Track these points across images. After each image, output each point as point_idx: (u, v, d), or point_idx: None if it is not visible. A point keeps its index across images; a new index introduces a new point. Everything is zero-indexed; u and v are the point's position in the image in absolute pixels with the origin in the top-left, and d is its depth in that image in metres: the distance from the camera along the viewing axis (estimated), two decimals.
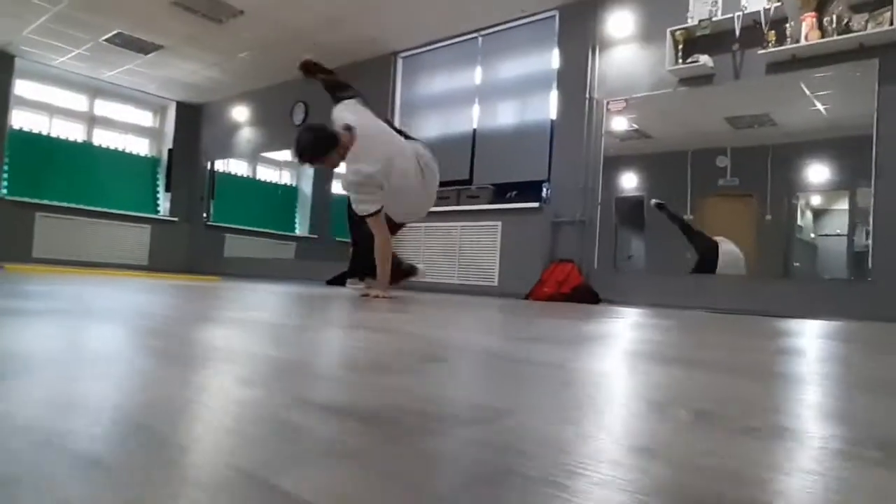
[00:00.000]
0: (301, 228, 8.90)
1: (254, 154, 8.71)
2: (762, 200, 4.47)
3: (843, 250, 4.04)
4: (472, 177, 5.89)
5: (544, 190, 5.29)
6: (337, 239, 8.14)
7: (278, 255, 8.45)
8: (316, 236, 8.62)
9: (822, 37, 3.87)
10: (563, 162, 5.18)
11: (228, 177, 9.18)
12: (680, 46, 4.45)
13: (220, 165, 9.14)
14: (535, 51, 5.55)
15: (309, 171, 8.71)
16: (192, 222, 9.05)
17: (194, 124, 9.08)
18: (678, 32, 4.46)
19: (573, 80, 5.17)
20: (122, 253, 8.38)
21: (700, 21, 4.32)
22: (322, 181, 8.29)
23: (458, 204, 5.79)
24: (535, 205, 5.20)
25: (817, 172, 4.41)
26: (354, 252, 6.16)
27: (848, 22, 3.82)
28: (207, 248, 8.84)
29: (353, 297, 3.34)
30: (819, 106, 4.17)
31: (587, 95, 5.06)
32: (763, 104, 4.37)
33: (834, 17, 3.85)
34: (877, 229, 3.73)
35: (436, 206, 5.87)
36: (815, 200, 4.42)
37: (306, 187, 8.84)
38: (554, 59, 5.37)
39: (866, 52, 3.80)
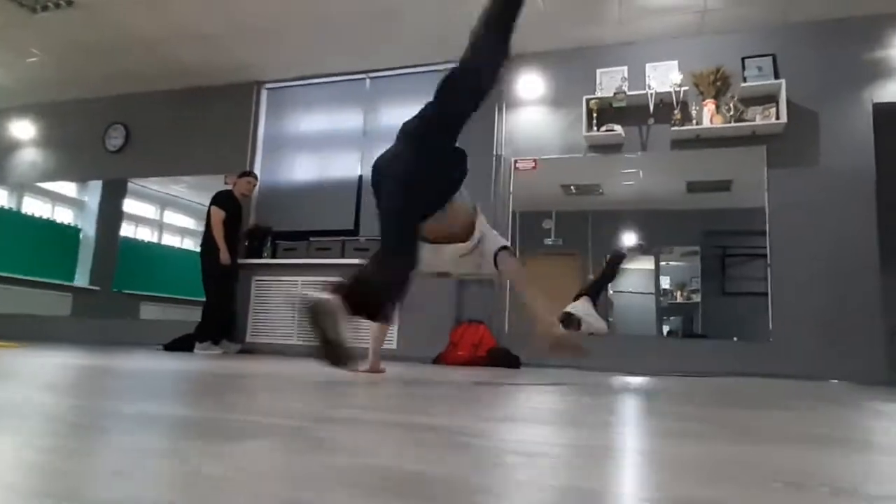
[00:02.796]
0: (82, 279, 7.19)
1: (30, 183, 6.84)
2: (585, 260, 4.92)
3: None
4: (358, 227, 5.35)
5: None
6: (124, 292, 6.77)
7: (50, 312, 6.66)
8: (98, 288, 7.03)
9: (723, 122, 4.37)
10: None
11: None
12: (594, 114, 4.65)
13: None
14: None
15: (93, 208, 7.15)
16: None
17: None
18: (593, 101, 4.66)
19: (477, 135, 5.06)
20: None
21: (616, 94, 4.58)
22: (108, 221, 6.82)
23: (343, 256, 5.18)
24: None
25: (630, 237, 5.00)
26: (209, 309, 5.09)
27: (742, 112, 4.37)
28: None
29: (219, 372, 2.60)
30: (633, 182, 4.78)
31: (494, 152, 4.99)
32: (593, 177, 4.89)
33: (732, 105, 4.37)
34: (774, 290, 4.22)
35: (316, 257, 5.22)
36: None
37: (89, 228, 7.20)
38: None
39: (757, 139, 4.39)
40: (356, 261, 5.11)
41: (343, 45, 5.18)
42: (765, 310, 4.27)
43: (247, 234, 5.50)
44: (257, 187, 5.48)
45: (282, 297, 5.33)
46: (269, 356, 4.62)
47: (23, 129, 6.56)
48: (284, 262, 5.33)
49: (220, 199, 5.09)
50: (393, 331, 4.94)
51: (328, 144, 5.65)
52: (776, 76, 4.39)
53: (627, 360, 4.32)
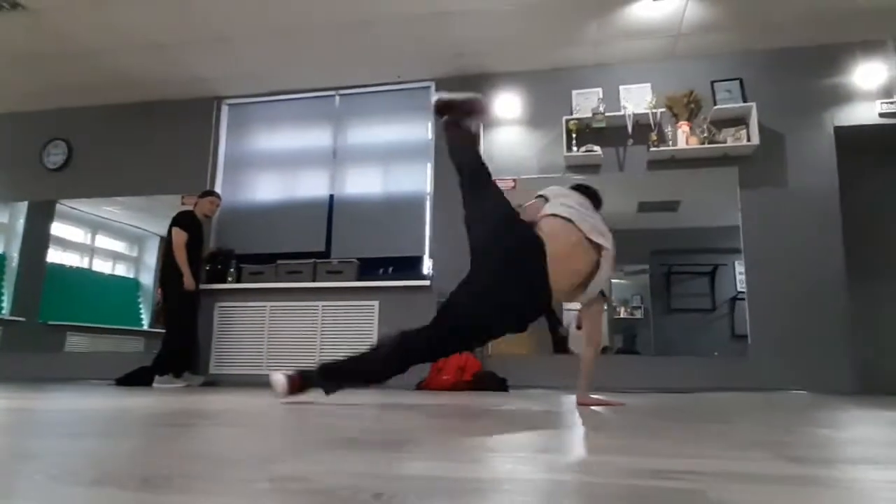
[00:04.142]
0: (5, 308, 6.62)
1: None
2: None
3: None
4: (330, 249, 5.14)
5: (426, 267, 4.88)
6: (49, 323, 6.26)
7: None
8: (24, 319, 6.48)
9: (698, 143, 4.49)
10: (447, 237, 4.88)
11: None
12: (574, 135, 4.68)
13: None
14: (406, 118, 5.24)
15: (19, 231, 6.59)
16: None
17: None
18: (572, 122, 4.69)
19: None
20: None
21: (595, 114, 4.63)
22: (34, 245, 6.29)
23: (315, 280, 4.95)
24: (426, 282, 4.74)
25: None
26: (170, 339, 4.69)
27: (715, 134, 4.52)
28: None
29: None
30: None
31: None
32: None
33: (705, 127, 4.51)
34: (752, 306, 4.34)
35: (286, 280, 4.96)
36: None
37: (13, 254, 6.65)
38: (429, 129, 5.14)
39: (729, 160, 4.53)
40: (329, 284, 4.90)
41: (310, 60, 5.01)
42: (708, 325, 4.47)
43: (208, 258, 5.18)
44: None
45: (248, 323, 5.03)
46: (237, 388, 4.32)
47: None
48: (251, 287, 5.04)
49: (183, 221, 4.76)
50: None
51: (295, 163, 5.43)
52: (744, 100, 4.57)
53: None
